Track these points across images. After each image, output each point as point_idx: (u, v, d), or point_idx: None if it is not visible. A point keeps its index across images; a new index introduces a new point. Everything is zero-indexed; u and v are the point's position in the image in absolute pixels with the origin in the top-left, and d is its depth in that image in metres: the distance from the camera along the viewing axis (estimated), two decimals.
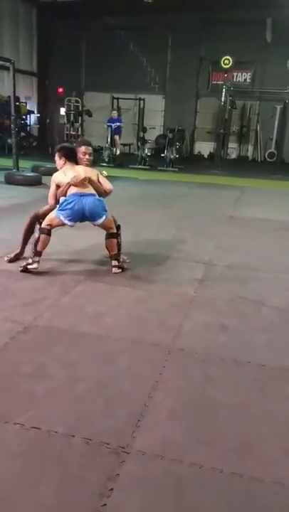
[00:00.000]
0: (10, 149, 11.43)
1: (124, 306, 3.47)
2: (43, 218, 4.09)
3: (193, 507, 1.69)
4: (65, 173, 4.12)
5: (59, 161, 4.22)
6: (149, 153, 13.95)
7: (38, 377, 2.45)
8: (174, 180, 11.33)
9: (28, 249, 4.18)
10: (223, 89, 14.06)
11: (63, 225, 4.06)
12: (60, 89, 17.29)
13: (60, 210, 4.01)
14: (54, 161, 4.32)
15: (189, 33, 16.68)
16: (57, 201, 4.12)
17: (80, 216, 4.03)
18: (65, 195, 4.04)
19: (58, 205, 4.07)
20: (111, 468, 1.83)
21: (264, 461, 1.93)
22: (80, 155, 4.25)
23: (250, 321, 3.36)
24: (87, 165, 4.23)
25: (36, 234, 4.04)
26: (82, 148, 4.27)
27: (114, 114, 14.35)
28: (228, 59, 14.12)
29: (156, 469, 1.85)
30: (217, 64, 14.84)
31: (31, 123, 17.86)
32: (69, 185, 4.03)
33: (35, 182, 8.89)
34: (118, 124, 13.78)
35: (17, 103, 11.81)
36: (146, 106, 16.76)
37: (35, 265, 4.00)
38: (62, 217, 3.99)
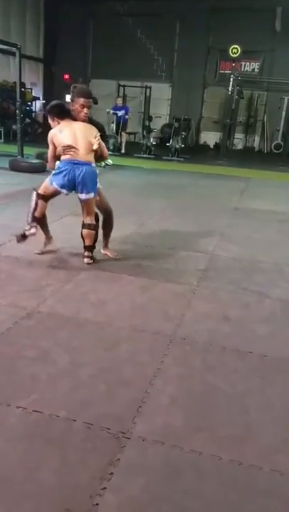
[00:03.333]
0: (15, 136, 11.39)
1: (127, 294, 3.48)
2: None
3: (192, 492, 1.71)
4: (61, 131, 3.86)
5: (53, 123, 3.97)
6: (154, 143, 13.82)
7: (41, 361, 2.47)
8: (179, 170, 11.26)
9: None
10: (231, 79, 13.89)
11: (59, 192, 3.94)
12: (66, 76, 17.12)
13: (53, 177, 3.90)
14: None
15: (198, 20, 16.44)
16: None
17: (72, 186, 3.86)
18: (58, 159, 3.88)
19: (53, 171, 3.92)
20: (111, 452, 1.85)
21: (263, 450, 1.95)
22: (77, 106, 3.84)
23: (253, 312, 3.36)
24: (84, 120, 3.89)
25: (33, 201, 3.94)
26: (81, 100, 3.83)
27: (119, 101, 14.08)
28: (237, 48, 13.92)
29: (156, 455, 1.87)
30: (225, 53, 14.62)
31: (36, 109, 17.73)
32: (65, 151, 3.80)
33: (40, 169, 8.84)
34: (124, 112, 13.46)
35: (22, 89, 11.67)
36: (153, 94, 16.54)
37: (33, 230, 3.92)
38: (55, 184, 3.90)
